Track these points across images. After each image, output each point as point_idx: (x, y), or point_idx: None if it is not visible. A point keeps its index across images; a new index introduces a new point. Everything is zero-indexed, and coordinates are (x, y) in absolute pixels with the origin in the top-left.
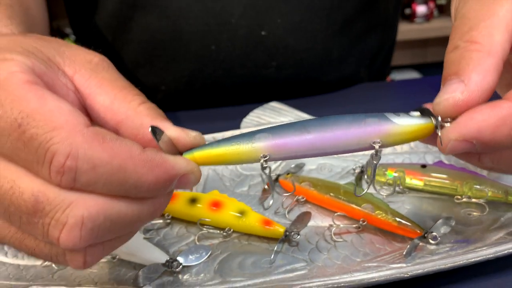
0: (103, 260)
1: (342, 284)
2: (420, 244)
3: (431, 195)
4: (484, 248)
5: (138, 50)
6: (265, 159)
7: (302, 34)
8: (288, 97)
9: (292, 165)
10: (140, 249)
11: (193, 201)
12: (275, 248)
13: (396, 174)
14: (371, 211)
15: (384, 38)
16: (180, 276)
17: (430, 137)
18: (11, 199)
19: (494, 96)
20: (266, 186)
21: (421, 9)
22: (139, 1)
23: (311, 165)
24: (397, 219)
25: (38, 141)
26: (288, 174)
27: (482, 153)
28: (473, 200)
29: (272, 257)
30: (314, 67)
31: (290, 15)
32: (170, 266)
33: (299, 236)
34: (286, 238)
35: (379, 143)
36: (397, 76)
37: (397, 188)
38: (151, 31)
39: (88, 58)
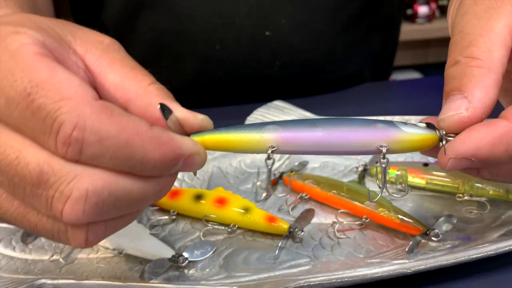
0: (109, 255)
1: (346, 279)
2: (422, 241)
3: (433, 193)
4: (485, 244)
5: (143, 49)
6: (273, 149)
7: (306, 34)
8: (292, 96)
9: (296, 163)
10: (147, 244)
11: (198, 197)
12: (279, 244)
13: (398, 173)
14: (374, 209)
15: (387, 38)
16: (186, 271)
17: (431, 150)
18: (16, 169)
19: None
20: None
21: (423, 9)
22: (146, 0)
23: (314, 163)
24: (400, 216)
25: (46, 110)
26: (291, 172)
27: (481, 168)
28: (475, 198)
29: (276, 253)
30: (317, 66)
31: (295, 15)
32: (176, 261)
33: (302, 233)
34: (290, 235)
35: (386, 147)
36: (398, 76)
37: (399, 186)
38: (157, 30)
39: (100, 39)
